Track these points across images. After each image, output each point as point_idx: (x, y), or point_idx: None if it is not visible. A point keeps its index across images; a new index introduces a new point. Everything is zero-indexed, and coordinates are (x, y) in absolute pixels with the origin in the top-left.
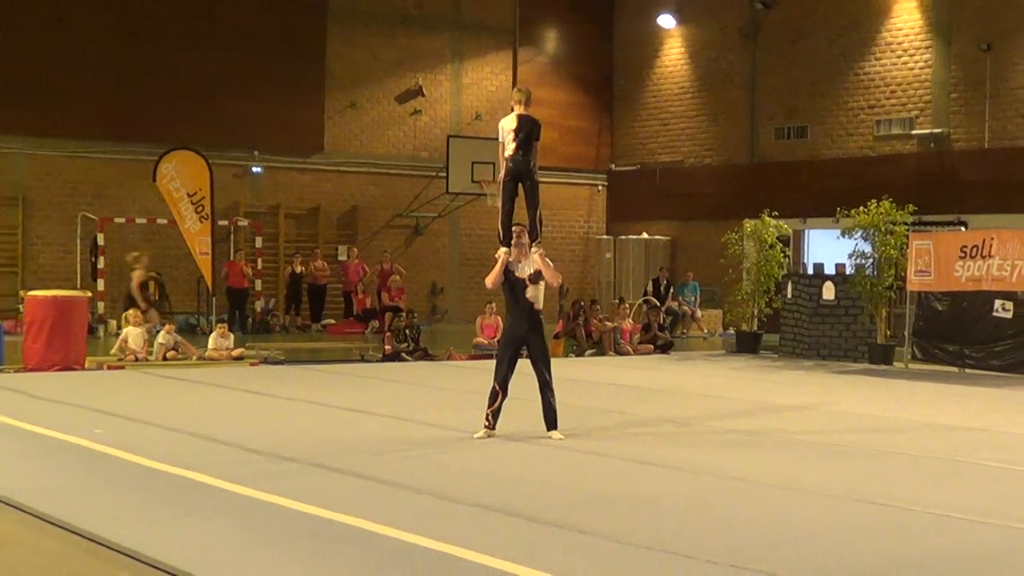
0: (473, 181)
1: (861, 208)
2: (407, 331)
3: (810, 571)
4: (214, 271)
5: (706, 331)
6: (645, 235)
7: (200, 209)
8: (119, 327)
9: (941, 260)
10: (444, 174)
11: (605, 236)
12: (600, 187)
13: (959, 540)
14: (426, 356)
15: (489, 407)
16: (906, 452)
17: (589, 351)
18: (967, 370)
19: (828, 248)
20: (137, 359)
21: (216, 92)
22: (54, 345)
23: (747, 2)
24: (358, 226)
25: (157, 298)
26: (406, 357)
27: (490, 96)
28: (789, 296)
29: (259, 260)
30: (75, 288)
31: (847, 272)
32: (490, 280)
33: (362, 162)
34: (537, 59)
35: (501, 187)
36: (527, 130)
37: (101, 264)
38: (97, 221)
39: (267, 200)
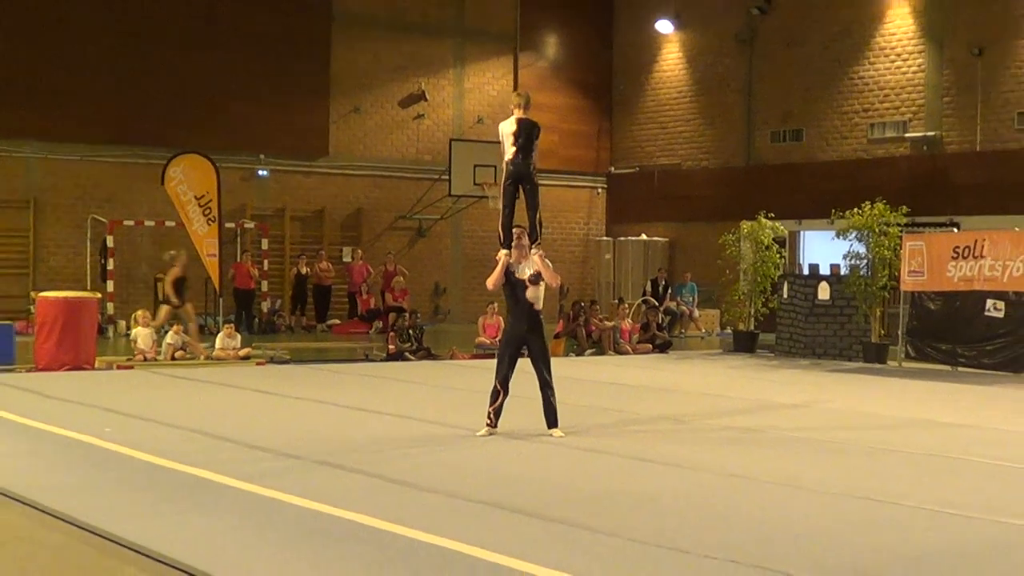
0: (475, 184)
1: (855, 210)
2: (410, 331)
3: (807, 566)
4: (221, 272)
5: (704, 331)
6: (644, 236)
7: (208, 212)
8: (128, 328)
9: (934, 261)
10: (446, 177)
11: (605, 238)
12: (600, 189)
13: (952, 535)
14: (429, 356)
15: (491, 405)
16: (900, 449)
17: (589, 350)
18: (959, 368)
19: (823, 249)
20: (146, 359)
21: (223, 97)
22: (64, 345)
23: (743, 8)
24: (362, 228)
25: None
26: (409, 357)
27: (492, 100)
28: (785, 296)
29: (265, 261)
30: (85, 289)
31: (842, 272)
32: (491, 281)
33: (366, 165)
34: (538, 64)
35: (502, 190)
36: (527, 134)
37: (110, 266)
38: (107, 224)
39: (273, 203)
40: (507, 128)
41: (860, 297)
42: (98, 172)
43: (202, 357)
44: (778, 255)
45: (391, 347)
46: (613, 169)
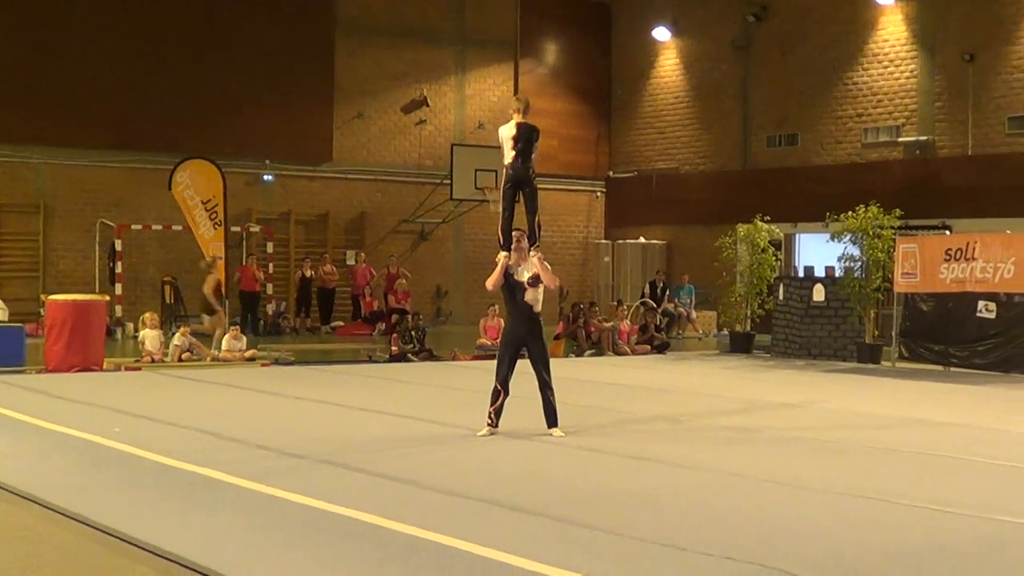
0: (476, 188)
1: (850, 213)
2: (413, 333)
3: (803, 563)
4: (227, 275)
5: (701, 332)
6: (642, 239)
7: (214, 216)
8: (136, 330)
9: (926, 263)
10: (448, 181)
11: (604, 240)
12: (599, 193)
13: (945, 532)
14: (431, 357)
15: (491, 406)
16: (895, 448)
17: (588, 351)
18: (952, 368)
19: (818, 251)
20: (153, 360)
21: (229, 104)
22: (74, 347)
23: (739, 15)
24: (365, 232)
25: (173, 301)
26: (412, 358)
27: (492, 106)
28: (781, 298)
29: (270, 265)
30: (94, 292)
31: (836, 275)
32: (490, 282)
33: (369, 170)
34: (538, 70)
35: (501, 194)
36: (526, 138)
37: (119, 269)
38: (115, 228)
39: (278, 207)
40: (507, 132)
41: (854, 299)
42: (106, 177)
43: (208, 359)
44: (774, 258)
45: (394, 348)
46: (612, 173)
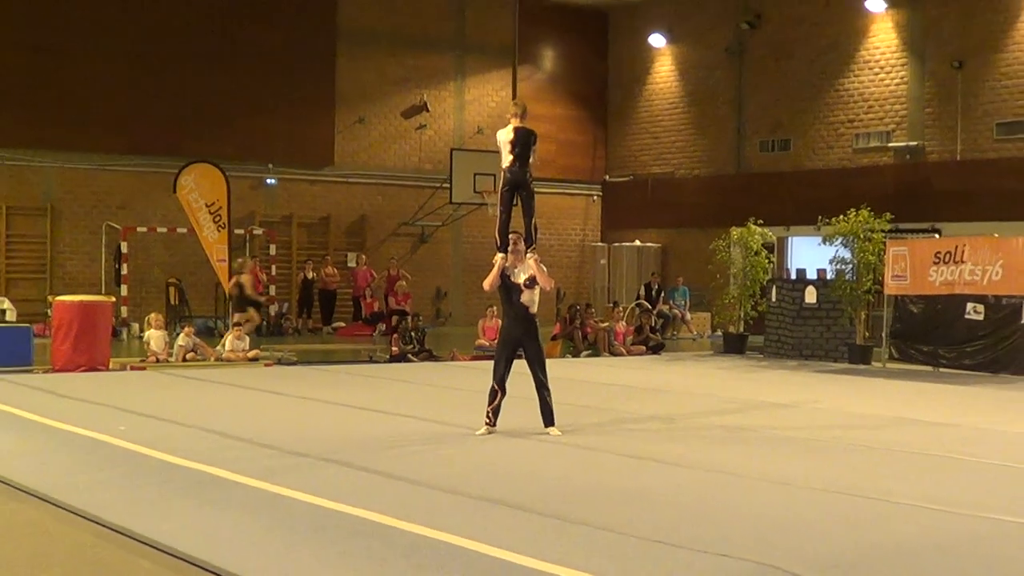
0: (475, 192)
1: (841, 216)
2: (413, 333)
3: (795, 559)
4: (230, 277)
5: (695, 333)
6: (638, 242)
7: (218, 219)
8: (141, 330)
9: (916, 265)
10: (448, 185)
11: (600, 243)
12: (595, 197)
13: (932, 529)
14: (431, 357)
15: (489, 405)
16: (885, 447)
17: (585, 352)
18: (941, 369)
19: (810, 254)
20: (158, 360)
21: (233, 109)
22: (80, 347)
23: (733, 23)
24: (366, 234)
25: (178, 302)
26: (412, 358)
27: (491, 111)
28: (773, 300)
29: (273, 267)
30: (100, 293)
31: (828, 277)
32: (487, 283)
33: (370, 174)
34: (535, 76)
35: (499, 196)
36: (524, 142)
37: (124, 271)
38: (120, 230)
39: (281, 210)
40: (504, 137)
41: (846, 300)
42: (113, 181)
43: (212, 359)
44: (767, 260)
45: (394, 349)
46: (608, 177)
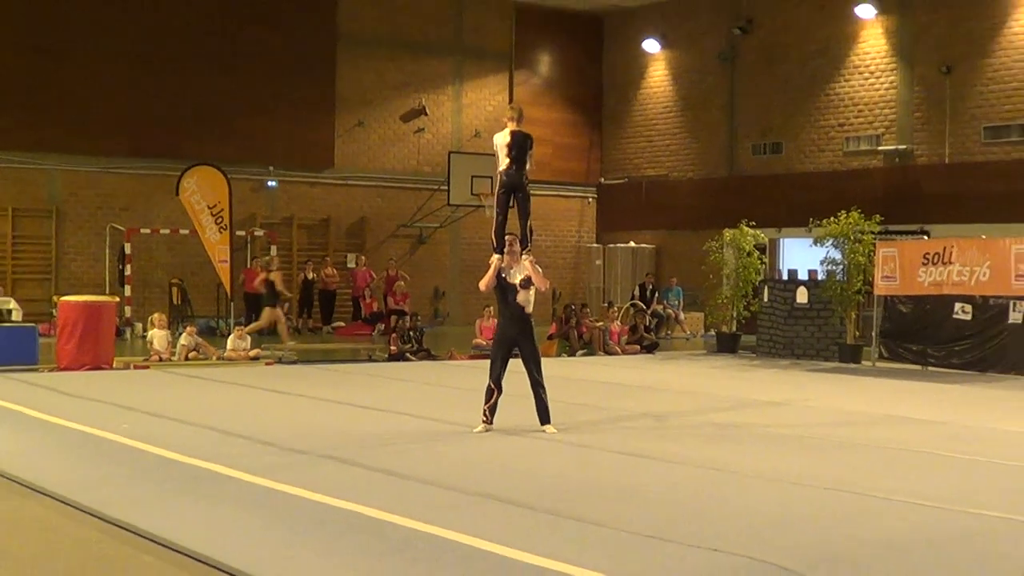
0: (472, 194)
1: (832, 218)
2: (411, 333)
3: (787, 554)
4: (232, 278)
5: (689, 332)
6: (632, 243)
7: (219, 220)
8: (145, 330)
9: (905, 266)
10: (445, 187)
11: (595, 244)
12: (590, 199)
13: (922, 524)
14: (429, 356)
15: (486, 403)
16: (874, 444)
17: (580, 351)
18: (929, 368)
19: (801, 255)
20: (161, 359)
21: (235, 112)
22: (85, 346)
23: (726, 29)
24: (366, 236)
25: (181, 303)
26: (410, 357)
27: (488, 115)
28: (765, 300)
29: None
30: (104, 294)
31: (819, 278)
32: (483, 283)
33: (369, 176)
34: (532, 81)
35: (495, 198)
36: (520, 146)
37: (128, 271)
38: (124, 231)
39: (281, 212)
40: (501, 140)
41: (836, 301)
42: (117, 183)
43: (214, 358)
44: (759, 261)
45: (393, 348)
46: (603, 180)
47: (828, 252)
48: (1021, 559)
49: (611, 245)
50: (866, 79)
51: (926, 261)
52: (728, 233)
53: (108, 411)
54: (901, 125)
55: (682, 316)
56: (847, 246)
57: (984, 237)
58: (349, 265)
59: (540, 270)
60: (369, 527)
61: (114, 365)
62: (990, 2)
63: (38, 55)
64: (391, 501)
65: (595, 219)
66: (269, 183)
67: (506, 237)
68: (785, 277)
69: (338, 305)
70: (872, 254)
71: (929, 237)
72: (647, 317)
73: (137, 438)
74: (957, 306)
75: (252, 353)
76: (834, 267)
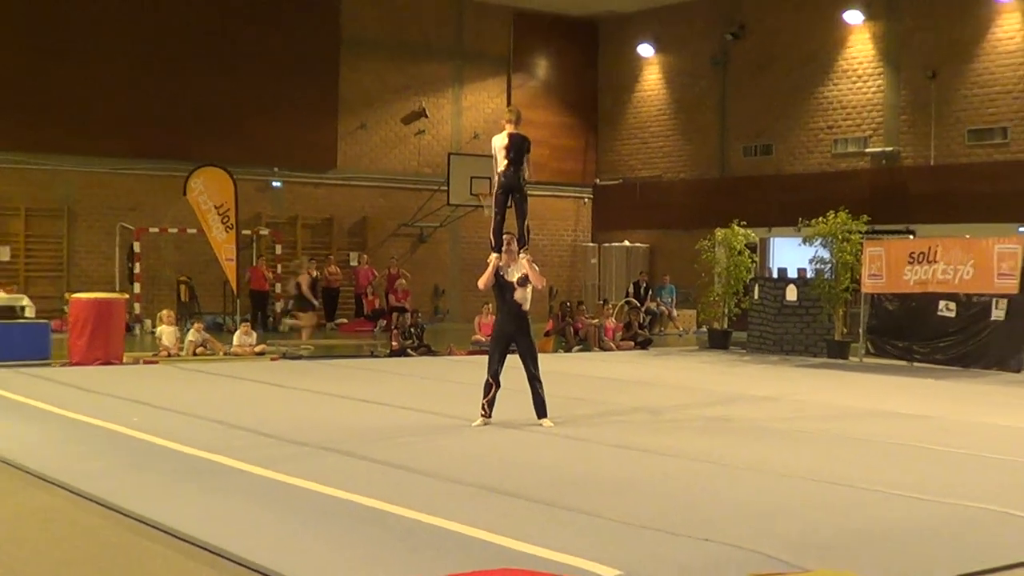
0: (471, 194)
1: (820, 218)
2: (412, 329)
3: (777, 543)
4: (238, 275)
5: (681, 329)
6: (627, 243)
7: (226, 220)
8: (153, 326)
9: (892, 265)
10: (445, 188)
11: (591, 243)
12: (586, 199)
13: (907, 514)
14: (429, 352)
15: (484, 398)
16: (862, 437)
17: (576, 347)
18: (915, 363)
19: (791, 254)
20: (169, 354)
21: (240, 115)
22: (95, 342)
23: (718, 34)
24: (368, 235)
25: (188, 300)
26: (411, 353)
27: (487, 117)
28: (756, 297)
29: (279, 265)
30: (114, 291)
31: (808, 276)
32: (482, 282)
33: (371, 177)
34: (529, 84)
35: (493, 199)
36: (518, 148)
37: (137, 269)
38: (134, 231)
39: (286, 211)
40: (499, 142)
41: (824, 298)
42: (126, 184)
43: (221, 353)
44: (750, 260)
45: (394, 344)
46: (598, 181)
47: (817, 251)
48: (1002, 547)
49: (606, 244)
50: (854, 83)
51: (912, 260)
52: (720, 232)
53: (118, 404)
54: (888, 128)
55: (675, 313)
56: (835, 245)
57: (968, 237)
58: (352, 263)
59: (537, 268)
60: (371, 517)
61: (124, 360)
62: (974, 9)
63: (52, 62)
64: (392, 492)
65: (591, 219)
66: (274, 183)
67: (504, 236)
68: (775, 275)
69: (341, 302)
70: (859, 253)
71: (915, 237)
72: (641, 314)
73: (146, 431)
74: (941, 304)
75: (257, 349)
76: (822, 266)
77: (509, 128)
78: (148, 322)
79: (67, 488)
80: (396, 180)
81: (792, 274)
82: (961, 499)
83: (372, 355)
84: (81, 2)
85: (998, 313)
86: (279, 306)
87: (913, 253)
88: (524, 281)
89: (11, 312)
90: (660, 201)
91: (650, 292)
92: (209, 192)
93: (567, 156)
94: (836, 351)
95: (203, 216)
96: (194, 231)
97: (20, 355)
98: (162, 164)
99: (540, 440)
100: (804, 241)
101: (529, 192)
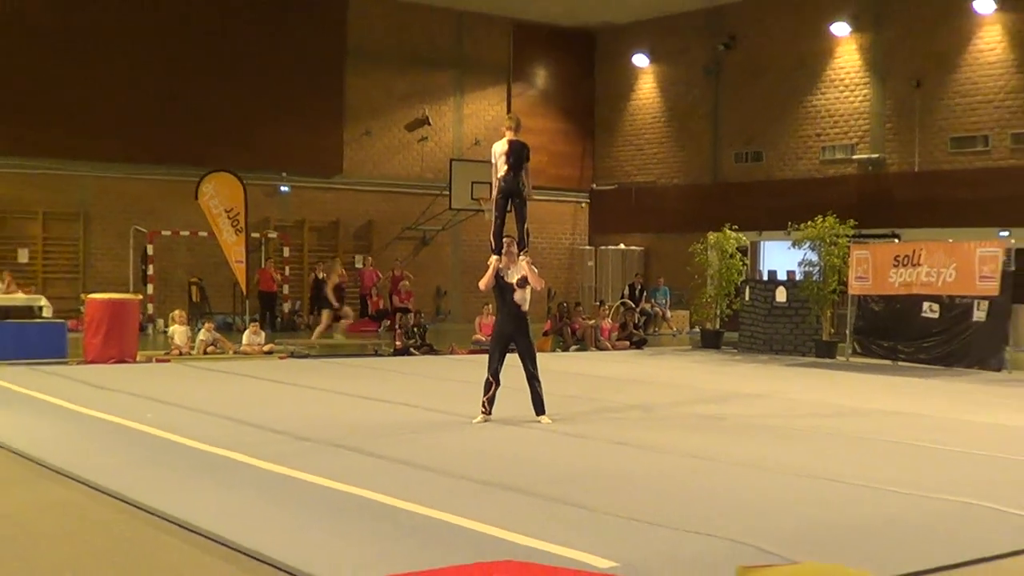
0: (472, 199)
1: (809, 223)
2: (415, 329)
3: (766, 537)
4: (247, 277)
5: (675, 329)
6: (622, 246)
7: (236, 223)
8: (166, 325)
9: (877, 268)
10: (447, 192)
11: (587, 247)
12: (583, 204)
13: (893, 509)
14: (431, 351)
15: (484, 395)
16: (847, 433)
17: (573, 347)
18: (899, 363)
19: (780, 257)
20: (181, 353)
21: (250, 122)
22: (110, 341)
23: (710, 44)
24: (372, 238)
25: (199, 300)
26: (414, 352)
27: (488, 124)
28: (747, 299)
29: (286, 267)
30: (128, 292)
31: (797, 278)
32: (483, 283)
33: (376, 182)
34: (528, 93)
35: (494, 203)
36: (517, 154)
37: (150, 271)
38: (147, 234)
39: (293, 215)
40: (499, 148)
41: (813, 300)
42: (140, 188)
43: (231, 352)
44: (741, 262)
45: (397, 343)
46: (595, 186)
47: (805, 254)
48: (986, 541)
49: (602, 247)
50: (841, 92)
51: (897, 263)
52: (712, 236)
53: (132, 401)
54: (874, 135)
55: (669, 314)
56: (823, 248)
57: (951, 241)
58: (357, 265)
59: (536, 270)
60: (376, 511)
61: (137, 358)
62: (956, 22)
63: (71, 73)
64: (396, 487)
65: (588, 223)
66: (282, 188)
67: (504, 239)
68: (765, 277)
69: (346, 303)
70: (846, 256)
71: (900, 240)
72: (636, 315)
73: (159, 427)
74: (925, 305)
75: (266, 348)
76: (811, 268)
77: (509, 135)
78: (161, 322)
79: (83, 482)
80: (400, 185)
81: (782, 276)
82: (945, 494)
83: (376, 354)
84: (102, 17)
85: (979, 314)
86: (286, 306)
87: (898, 256)
88: (523, 283)
89: (29, 312)
90: (655, 206)
91: (645, 293)
92: (220, 196)
93: (565, 162)
94: (824, 351)
95: (214, 220)
96: (205, 234)
97: (38, 353)
98: (175, 170)
99: (538, 436)
100: (793, 245)
101: (527, 197)
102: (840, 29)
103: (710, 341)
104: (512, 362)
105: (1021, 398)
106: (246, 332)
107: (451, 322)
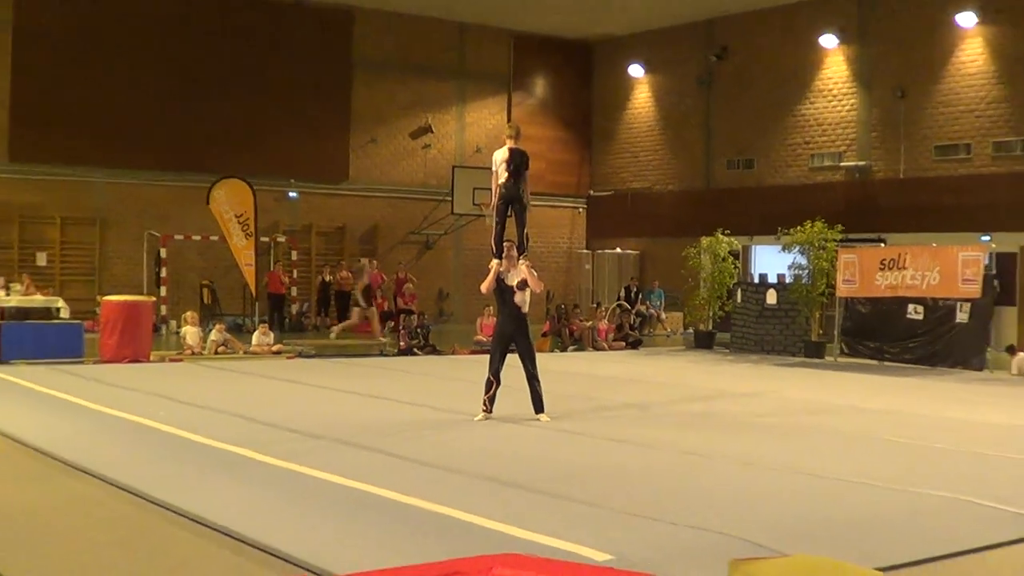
0: (474, 204)
1: (798, 227)
2: (418, 330)
3: (757, 531)
4: (257, 279)
5: (669, 330)
6: (619, 250)
7: (246, 228)
8: (179, 326)
9: (864, 271)
10: (450, 198)
11: (585, 250)
12: (581, 209)
13: (880, 503)
14: (434, 351)
15: (485, 394)
16: (836, 431)
17: (571, 347)
18: (885, 363)
19: (771, 261)
20: (193, 353)
21: (260, 131)
22: (125, 341)
23: (703, 55)
24: (378, 242)
25: (211, 302)
26: (417, 352)
27: (489, 132)
28: (739, 301)
29: (295, 270)
30: (142, 294)
31: (787, 281)
32: (484, 286)
33: (381, 188)
34: (528, 102)
35: (495, 209)
36: (517, 162)
37: (163, 274)
38: (160, 238)
39: (301, 220)
40: (500, 156)
41: (802, 302)
42: (154, 194)
43: (241, 352)
44: (733, 266)
45: (402, 344)
46: (592, 192)
47: (795, 258)
48: (970, 533)
49: (599, 251)
50: (829, 102)
51: (883, 266)
52: (705, 240)
53: (146, 400)
54: (861, 143)
55: (663, 315)
56: (812, 252)
57: (935, 245)
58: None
59: (535, 274)
60: (382, 506)
61: (151, 358)
62: (940, 35)
63: (87, 83)
64: (401, 482)
65: (585, 227)
66: (290, 194)
67: (504, 244)
68: (756, 280)
69: (352, 305)
70: (834, 260)
71: (885, 245)
72: (632, 316)
73: (172, 424)
74: (910, 307)
75: (275, 348)
76: (800, 271)
77: (509, 143)
78: (173, 323)
79: (99, 477)
80: (404, 191)
81: (772, 279)
82: (927, 488)
83: (381, 354)
84: (120, 32)
85: (962, 316)
86: (295, 308)
87: (884, 260)
88: (523, 285)
89: (47, 313)
90: (650, 211)
91: (640, 296)
92: (230, 202)
93: (563, 169)
94: (813, 351)
95: (225, 224)
96: (216, 238)
97: (56, 353)
98: (187, 176)
99: (538, 434)
100: (783, 249)
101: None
102: (828, 41)
103: (703, 342)
104: (512, 362)
105: (1002, 397)
106: (255, 333)
107: (453, 323)
